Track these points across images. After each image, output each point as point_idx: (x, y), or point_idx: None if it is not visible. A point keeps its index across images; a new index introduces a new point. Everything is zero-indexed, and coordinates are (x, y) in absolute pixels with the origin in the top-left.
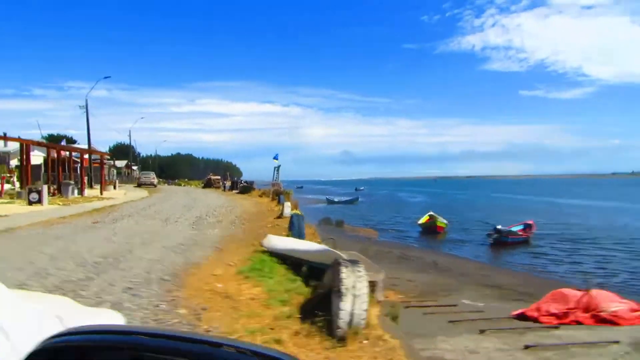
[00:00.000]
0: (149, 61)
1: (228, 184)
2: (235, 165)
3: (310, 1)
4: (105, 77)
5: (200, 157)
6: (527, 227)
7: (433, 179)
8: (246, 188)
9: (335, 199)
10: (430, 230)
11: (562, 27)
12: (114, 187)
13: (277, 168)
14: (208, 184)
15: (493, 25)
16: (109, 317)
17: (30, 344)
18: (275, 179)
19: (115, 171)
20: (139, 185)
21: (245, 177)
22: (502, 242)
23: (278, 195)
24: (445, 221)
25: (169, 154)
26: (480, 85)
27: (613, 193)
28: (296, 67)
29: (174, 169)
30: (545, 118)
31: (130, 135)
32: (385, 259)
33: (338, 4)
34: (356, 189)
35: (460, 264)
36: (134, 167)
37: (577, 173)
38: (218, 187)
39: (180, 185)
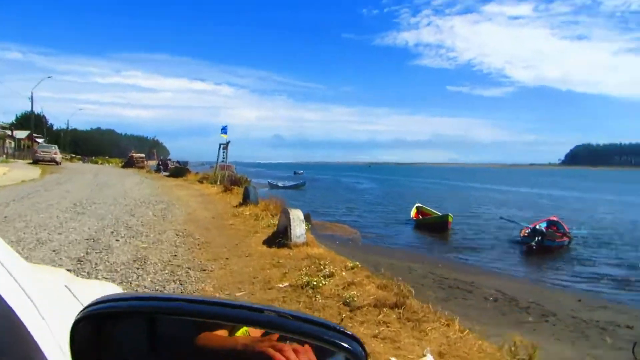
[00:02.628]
0: (73, 25)
1: (153, 163)
2: (162, 144)
3: None
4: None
5: (123, 134)
6: (552, 224)
7: (367, 164)
8: (180, 170)
9: (279, 184)
10: (439, 227)
11: (490, 33)
12: None
13: (226, 145)
14: (129, 163)
15: (428, 24)
16: (109, 289)
17: (55, 314)
18: (223, 159)
19: (13, 144)
20: (35, 161)
21: (173, 156)
22: (544, 246)
23: (234, 184)
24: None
25: (88, 128)
26: (411, 79)
27: (567, 182)
28: (232, 45)
29: (93, 144)
30: (469, 112)
31: (32, 100)
32: (420, 286)
33: None
34: (295, 173)
35: (537, 293)
36: (40, 140)
37: (497, 162)
38: (142, 168)
39: (96, 163)
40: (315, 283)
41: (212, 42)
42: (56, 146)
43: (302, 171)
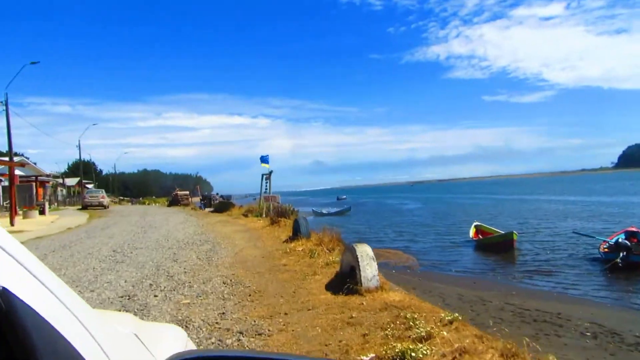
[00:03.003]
0: (113, 74)
1: (197, 200)
2: (205, 179)
3: (278, 12)
4: (33, 62)
5: (168, 173)
6: (632, 236)
7: (410, 184)
8: (223, 205)
9: (324, 211)
10: (502, 247)
11: (522, 37)
12: (42, 212)
13: (269, 175)
14: (174, 201)
15: (457, 36)
16: (173, 332)
17: None
18: (266, 190)
19: (64, 191)
20: (84, 207)
21: (217, 191)
22: (632, 263)
23: (280, 215)
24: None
25: (135, 171)
26: (445, 93)
27: (627, 187)
28: (264, 77)
29: (141, 186)
30: (509, 121)
31: (79, 148)
32: (500, 320)
33: (305, 15)
34: (338, 198)
35: None
36: (89, 186)
37: (543, 171)
38: (187, 205)
39: (144, 204)
40: (412, 354)
41: (245, 76)
42: (103, 191)
43: (345, 196)
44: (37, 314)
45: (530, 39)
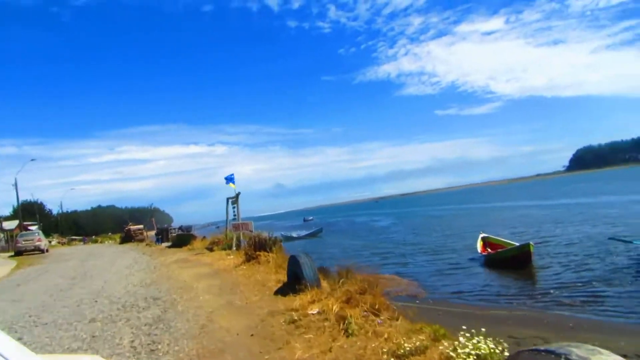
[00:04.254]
0: (60, 112)
1: (153, 234)
2: (163, 211)
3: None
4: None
5: (124, 207)
6: None
7: (374, 200)
8: (183, 238)
9: (294, 234)
10: (517, 261)
11: (467, 52)
12: None
13: (236, 198)
14: (127, 238)
15: (405, 54)
16: None
17: None
18: (234, 216)
19: (2, 236)
20: (18, 252)
21: (178, 222)
22: None
23: (259, 248)
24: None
25: (88, 208)
26: (399, 109)
27: (599, 187)
28: (218, 105)
29: (95, 223)
30: (462, 133)
31: (16, 186)
32: None
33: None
34: (305, 220)
35: None
36: (32, 228)
37: (500, 179)
38: (142, 240)
39: (96, 242)
40: None
41: (198, 106)
42: (39, 232)
43: (311, 217)
44: None
45: (475, 53)
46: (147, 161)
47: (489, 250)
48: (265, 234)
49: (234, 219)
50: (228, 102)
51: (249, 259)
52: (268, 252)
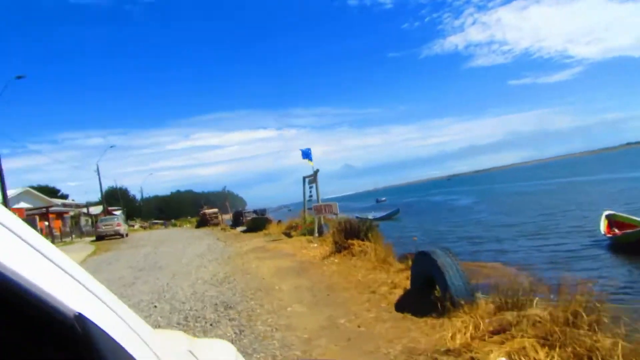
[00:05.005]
0: (138, 103)
1: (229, 217)
2: (237, 195)
3: (290, 27)
4: (18, 77)
5: (201, 192)
6: None
7: (446, 178)
8: (258, 222)
9: (369, 216)
10: None
11: (541, 15)
12: None
13: (314, 176)
14: (203, 222)
15: (473, 23)
16: (223, 346)
17: None
18: (310, 196)
19: (89, 221)
20: (99, 237)
21: (250, 205)
22: None
23: (350, 236)
24: None
25: (168, 193)
26: (468, 82)
27: None
28: (285, 90)
29: (175, 207)
30: (539, 103)
31: (98, 172)
32: None
33: (317, 23)
34: (377, 201)
35: None
36: (116, 213)
37: (583, 151)
38: (217, 224)
39: (175, 226)
40: None
41: (266, 91)
42: (119, 217)
43: (384, 198)
44: (110, 337)
45: (550, 16)
46: (219, 147)
47: (616, 230)
48: (355, 219)
49: (310, 200)
50: (295, 86)
51: (339, 249)
52: (363, 241)
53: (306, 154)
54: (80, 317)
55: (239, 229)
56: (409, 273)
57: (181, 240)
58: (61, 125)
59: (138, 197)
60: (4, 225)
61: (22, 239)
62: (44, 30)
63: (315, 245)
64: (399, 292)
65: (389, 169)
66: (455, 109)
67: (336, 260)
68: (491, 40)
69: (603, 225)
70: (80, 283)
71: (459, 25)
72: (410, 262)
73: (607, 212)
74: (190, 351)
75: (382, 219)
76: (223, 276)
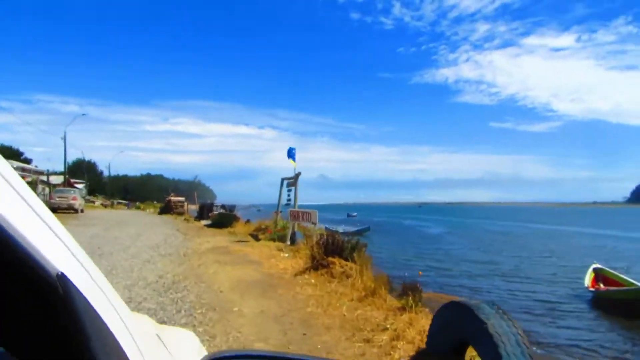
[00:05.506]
0: (123, 77)
1: (195, 208)
2: (208, 187)
3: (289, 26)
4: None
5: (172, 178)
6: None
7: (417, 204)
8: (225, 218)
9: (339, 229)
10: None
11: (532, 66)
12: None
13: (294, 179)
14: (166, 209)
15: (467, 60)
16: (187, 336)
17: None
18: (288, 200)
19: (48, 190)
20: (52, 209)
21: (220, 200)
22: None
23: (331, 252)
24: None
25: (138, 174)
26: (452, 116)
27: None
28: (273, 90)
29: (143, 190)
30: (515, 149)
31: (65, 140)
32: None
33: (316, 29)
34: (348, 215)
35: None
36: (78, 186)
37: (551, 201)
38: (181, 213)
39: (139, 208)
40: None
41: (253, 87)
42: (77, 190)
43: (355, 213)
44: (89, 302)
45: (541, 68)
46: (198, 136)
47: (601, 285)
48: (338, 234)
49: (288, 204)
50: (283, 87)
51: (316, 266)
52: (347, 261)
53: (291, 154)
54: (62, 278)
55: (204, 222)
56: (410, 316)
57: (137, 225)
58: (37, 86)
59: (106, 173)
60: (4, 178)
61: (18, 193)
62: None
63: (287, 255)
64: (406, 349)
65: (363, 186)
66: (435, 139)
67: (312, 281)
68: (481, 79)
69: (589, 278)
70: (63, 242)
71: (453, 60)
72: (410, 300)
73: (595, 265)
74: (157, 335)
75: (352, 233)
76: (171, 280)
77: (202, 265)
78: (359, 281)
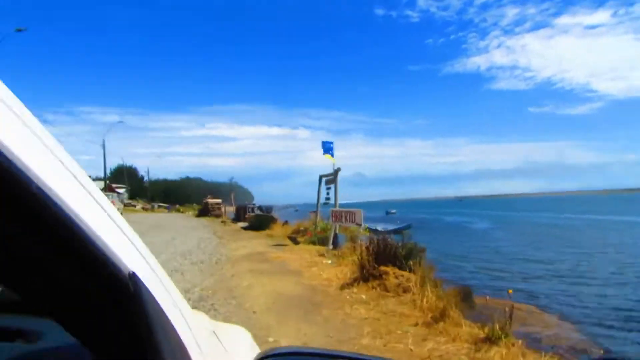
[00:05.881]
0: (159, 86)
1: (231, 210)
2: (246, 188)
3: (315, 27)
4: (18, 30)
5: (210, 181)
6: None
7: (458, 199)
8: (262, 220)
9: (379, 228)
10: None
11: (567, 46)
12: None
13: (334, 176)
14: (204, 211)
15: (498, 46)
16: (241, 333)
17: (210, 356)
18: (327, 199)
19: None
20: None
21: (258, 201)
22: None
23: (385, 260)
24: None
25: (177, 178)
26: (488, 104)
27: None
28: (304, 90)
29: (183, 193)
30: (556, 135)
31: (104, 147)
32: None
33: (342, 28)
34: (387, 213)
35: None
36: (119, 191)
37: (599, 189)
38: (218, 215)
39: (178, 211)
40: None
41: (285, 89)
42: (114, 195)
43: (394, 210)
44: (156, 300)
45: (576, 48)
46: (233, 139)
47: None
48: (391, 238)
49: (326, 203)
50: (314, 87)
51: (365, 277)
52: (401, 269)
53: (328, 148)
54: (133, 276)
55: (241, 224)
56: (501, 353)
57: (174, 229)
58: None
59: (146, 178)
60: (78, 181)
61: (94, 198)
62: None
63: (329, 262)
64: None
65: (399, 182)
66: (472, 129)
67: (363, 296)
68: (514, 65)
69: None
70: (133, 243)
71: (484, 47)
72: (497, 329)
73: None
74: (214, 332)
75: (392, 231)
76: (198, 296)
77: (236, 275)
78: (421, 299)
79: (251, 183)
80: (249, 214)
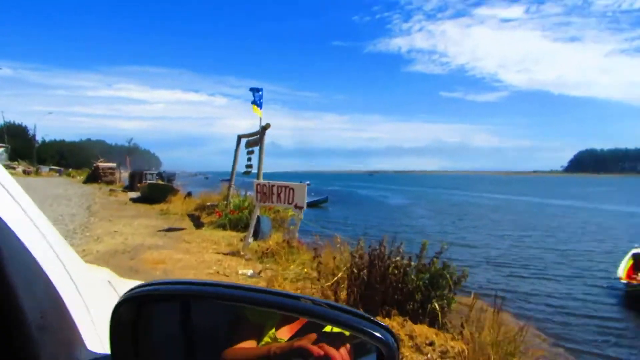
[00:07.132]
0: (63, 41)
1: (125, 175)
2: (153, 154)
3: None
4: None
5: (114, 144)
6: None
7: (369, 173)
8: (157, 189)
9: None
10: None
11: (482, 37)
12: None
13: (261, 136)
14: (93, 177)
15: (420, 30)
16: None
17: (97, 306)
18: (248, 166)
19: None
20: None
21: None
22: None
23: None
24: None
25: (77, 140)
26: (404, 85)
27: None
28: (224, 56)
29: (82, 156)
30: (463, 118)
31: None
32: None
33: None
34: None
35: None
36: None
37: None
38: (111, 182)
39: (69, 176)
40: None
41: (204, 53)
42: None
43: (308, 182)
44: (16, 236)
45: (490, 39)
46: (144, 102)
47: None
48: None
49: (247, 172)
50: (234, 55)
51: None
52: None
53: (257, 98)
54: None
55: (132, 194)
56: None
57: (35, 200)
58: None
59: (42, 139)
60: None
61: None
62: None
63: (249, 272)
64: None
65: (314, 154)
66: (388, 107)
67: None
68: (433, 49)
69: (625, 266)
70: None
71: (407, 29)
72: None
73: (636, 250)
74: (109, 282)
75: (309, 205)
76: None
77: None
78: None
79: (161, 148)
80: (143, 183)
